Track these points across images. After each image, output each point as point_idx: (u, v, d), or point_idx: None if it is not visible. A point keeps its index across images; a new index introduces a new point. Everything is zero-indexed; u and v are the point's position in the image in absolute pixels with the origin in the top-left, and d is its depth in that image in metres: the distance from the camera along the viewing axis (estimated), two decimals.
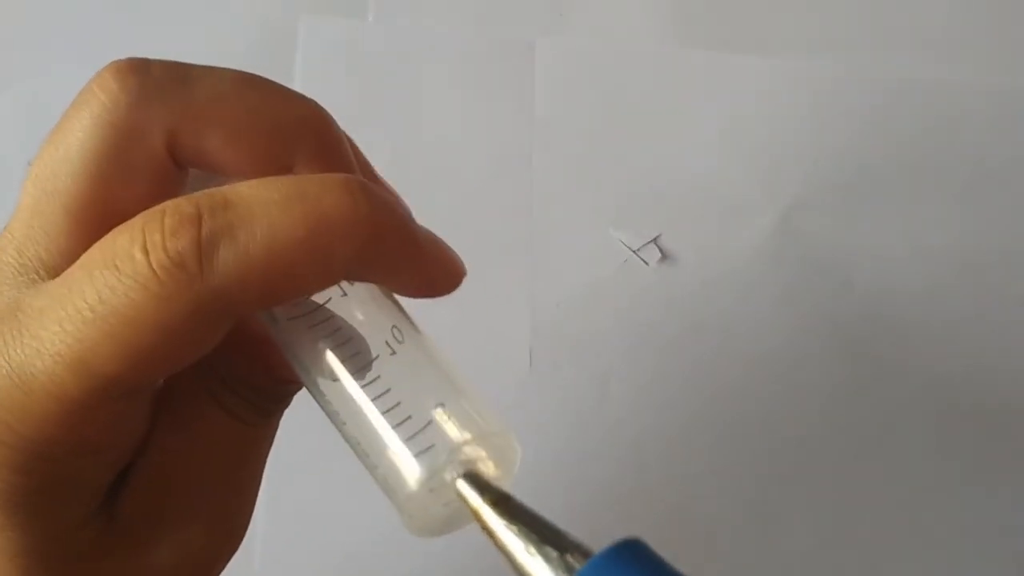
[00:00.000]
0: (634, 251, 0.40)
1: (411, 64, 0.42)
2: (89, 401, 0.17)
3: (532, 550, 0.16)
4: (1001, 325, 0.40)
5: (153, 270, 0.16)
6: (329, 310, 0.19)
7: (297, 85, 0.41)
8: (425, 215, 0.42)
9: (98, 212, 0.18)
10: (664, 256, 0.40)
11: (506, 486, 0.18)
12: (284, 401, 0.22)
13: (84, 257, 0.17)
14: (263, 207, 0.17)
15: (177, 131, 0.19)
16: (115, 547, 0.19)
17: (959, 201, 0.41)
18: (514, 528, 0.17)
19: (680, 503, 0.38)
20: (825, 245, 0.41)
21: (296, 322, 0.19)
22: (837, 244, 0.41)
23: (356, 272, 0.18)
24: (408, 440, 0.17)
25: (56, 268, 0.18)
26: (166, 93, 0.19)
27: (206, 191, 0.17)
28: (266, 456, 0.22)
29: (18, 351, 0.17)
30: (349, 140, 0.21)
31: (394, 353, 0.19)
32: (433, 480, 0.17)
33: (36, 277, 0.18)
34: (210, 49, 0.41)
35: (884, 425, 0.39)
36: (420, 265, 0.19)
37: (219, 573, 0.21)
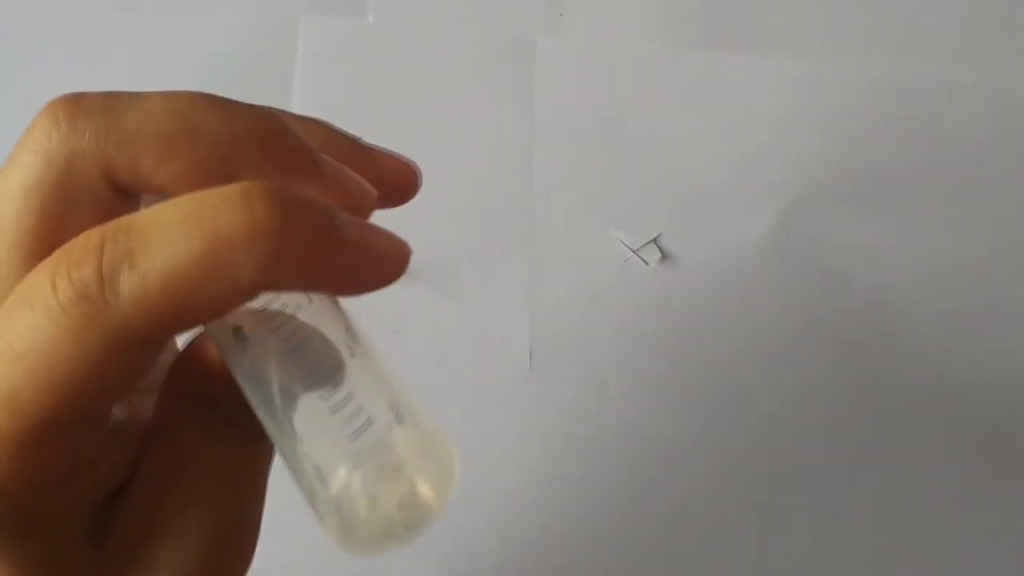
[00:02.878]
0: (634, 251, 0.40)
1: (411, 63, 0.42)
2: (25, 439, 0.17)
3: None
4: (1000, 324, 0.40)
5: (61, 304, 0.16)
6: (294, 317, 0.18)
7: (297, 85, 0.41)
8: (424, 214, 0.42)
9: (47, 247, 0.18)
10: (664, 256, 0.40)
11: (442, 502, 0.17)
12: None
13: (7, 300, 0.17)
14: (160, 229, 0.16)
15: (110, 158, 0.18)
16: (108, 572, 0.19)
17: (959, 201, 0.41)
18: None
19: (680, 503, 0.38)
20: (825, 245, 0.41)
21: (244, 348, 0.19)
22: (837, 244, 0.41)
23: (274, 284, 0.17)
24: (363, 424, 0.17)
25: None
26: (95, 123, 0.18)
27: (116, 219, 0.17)
28: (265, 478, 0.22)
29: None
30: (326, 125, 0.21)
31: (353, 355, 0.18)
32: (349, 492, 0.17)
33: None
34: (210, 49, 0.41)
35: (884, 425, 0.39)
36: (352, 265, 0.18)
37: None
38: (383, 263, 0.19)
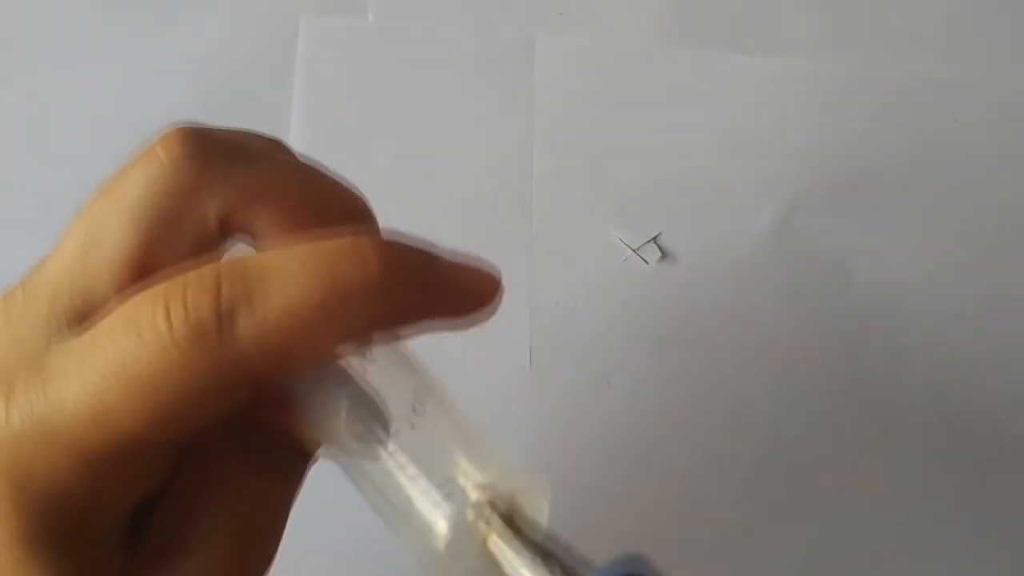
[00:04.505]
0: (634, 250, 0.40)
1: (411, 63, 0.42)
2: (109, 457, 0.17)
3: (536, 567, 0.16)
4: (999, 323, 0.40)
5: (175, 339, 0.17)
6: (353, 379, 0.19)
7: (297, 84, 0.41)
8: (424, 214, 0.42)
9: (139, 271, 0.19)
10: (664, 255, 0.40)
11: (538, 530, 0.17)
12: (306, 456, 0.22)
13: (108, 320, 0.18)
14: (279, 273, 0.17)
15: (232, 206, 0.19)
16: None
17: (958, 200, 0.42)
18: (526, 557, 0.17)
19: (679, 502, 0.38)
20: (825, 244, 0.41)
21: (318, 394, 0.19)
22: (836, 243, 0.41)
23: (381, 327, 0.18)
24: (428, 505, 0.18)
25: (86, 318, 0.19)
26: (227, 168, 0.19)
27: (226, 260, 0.18)
28: (289, 507, 0.22)
29: (41, 404, 0.17)
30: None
31: (414, 427, 0.19)
32: (457, 539, 0.17)
33: (64, 328, 0.19)
34: (210, 49, 0.41)
35: (883, 424, 0.39)
36: (450, 300, 0.19)
37: None
38: (477, 294, 0.20)
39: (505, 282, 0.40)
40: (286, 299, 0.17)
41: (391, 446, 0.18)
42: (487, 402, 0.39)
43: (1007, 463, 0.39)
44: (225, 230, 0.20)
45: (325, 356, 0.18)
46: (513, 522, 0.17)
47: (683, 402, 0.39)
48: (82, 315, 0.19)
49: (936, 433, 0.39)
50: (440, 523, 0.17)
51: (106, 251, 0.19)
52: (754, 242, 0.41)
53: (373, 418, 0.19)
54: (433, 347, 0.39)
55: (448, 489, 0.18)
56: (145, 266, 0.19)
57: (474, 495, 0.17)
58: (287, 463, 0.21)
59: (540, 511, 0.18)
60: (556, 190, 0.41)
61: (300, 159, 0.21)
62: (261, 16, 0.42)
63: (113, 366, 0.17)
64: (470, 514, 0.17)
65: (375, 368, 0.20)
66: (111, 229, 0.19)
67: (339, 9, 0.42)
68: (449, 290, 0.19)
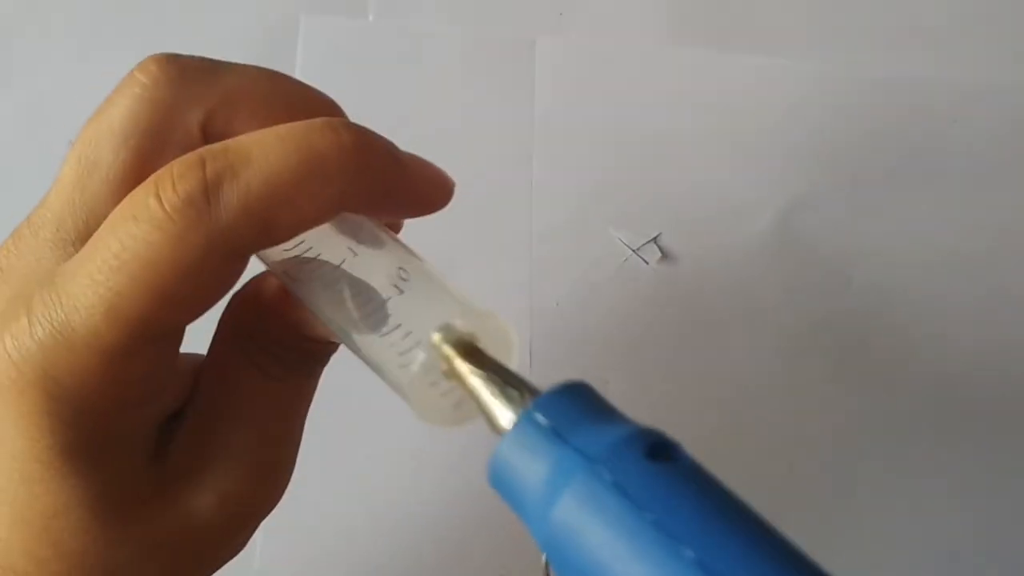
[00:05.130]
0: (634, 250, 0.40)
1: (411, 63, 0.42)
2: (125, 346, 0.19)
3: (495, 391, 0.19)
4: (999, 323, 0.40)
5: (167, 212, 0.18)
6: (343, 269, 0.21)
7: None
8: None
9: (137, 183, 0.20)
10: (664, 255, 0.40)
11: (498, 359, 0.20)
12: (316, 360, 0.24)
13: (107, 219, 0.19)
14: (259, 147, 0.19)
15: (211, 111, 0.21)
16: (168, 491, 0.21)
17: (957, 200, 0.42)
18: (480, 373, 0.19)
19: None
20: (824, 244, 0.41)
21: (314, 282, 0.21)
22: (836, 243, 0.41)
23: (352, 200, 0.20)
24: (410, 346, 0.20)
25: (91, 236, 0.20)
26: (201, 78, 0.21)
27: (207, 146, 0.19)
28: (304, 412, 0.24)
29: (58, 311, 0.18)
30: None
31: (401, 292, 0.21)
32: (432, 367, 0.20)
33: (71, 248, 0.20)
34: (211, 49, 0.41)
35: (883, 423, 0.39)
36: (410, 184, 0.21)
37: (261, 518, 0.23)
38: (434, 184, 0.22)
39: (505, 282, 0.40)
40: (267, 167, 0.18)
41: (383, 317, 0.20)
42: None
43: (1009, 459, 0.39)
44: (209, 137, 0.21)
45: (307, 224, 0.20)
46: (475, 350, 0.19)
47: (683, 401, 0.39)
48: (87, 236, 0.20)
49: (937, 430, 0.39)
50: (418, 355, 0.20)
51: (102, 171, 0.20)
52: (754, 242, 0.41)
53: (369, 297, 0.21)
54: None
55: (427, 335, 0.20)
56: (140, 181, 0.20)
57: (445, 331, 0.20)
58: (294, 364, 0.23)
59: (509, 351, 0.20)
60: (556, 190, 0.41)
61: (267, 68, 0.22)
62: (261, 16, 0.42)
63: (114, 252, 0.18)
64: (441, 346, 0.19)
65: (361, 252, 0.21)
66: (104, 150, 0.20)
67: (339, 9, 0.42)
68: (409, 176, 0.21)
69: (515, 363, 0.20)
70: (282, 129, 0.19)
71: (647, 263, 0.40)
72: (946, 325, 0.40)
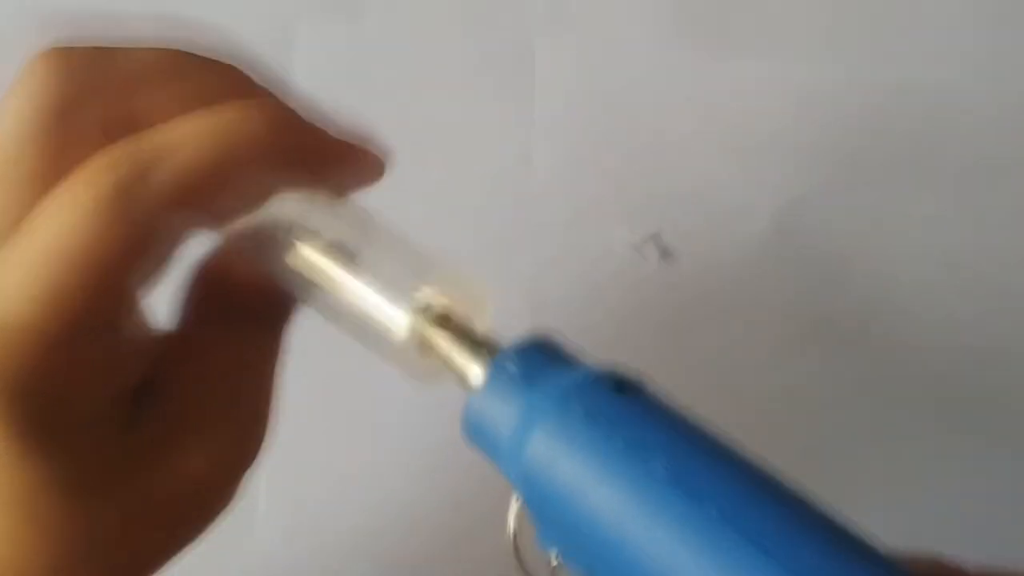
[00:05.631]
0: (634, 248, 0.40)
1: (410, 66, 0.42)
2: (66, 334, 0.19)
3: (467, 351, 0.19)
4: (997, 320, 0.40)
5: (98, 201, 0.18)
6: (306, 228, 0.22)
7: (294, 89, 0.41)
8: (425, 214, 0.42)
9: (51, 184, 0.20)
10: (664, 253, 0.40)
11: (483, 324, 0.20)
12: (278, 316, 0.24)
13: (35, 211, 0.19)
14: (182, 135, 0.19)
15: (113, 97, 0.21)
16: (146, 458, 0.22)
17: (955, 199, 0.42)
18: (450, 336, 0.20)
19: None
20: (822, 242, 0.41)
21: (280, 247, 0.22)
22: (834, 241, 0.41)
23: (280, 180, 0.20)
24: (389, 308, 0.20)
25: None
26: (94, 67, 0.21)
27: (127, 137, 0.20)
28: (273, 368, 0.24)
29: None
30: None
31: (370, 248, 0.21)
32: (411, 333, 0.20)
33: (2, 241, 0.20)
34: None
35: (883, 420, 0.39)
36: (339, 156, 0.22)
37: (244, 471, 0.24)
38: (367, 157, 0.23)
39: (505, 280, 0.40)
40: (191, 150, 0.19)
41: (352, 271, 0.21)
42: None
43: (1008, 456, 0.39)
44: (117, 124, 0.21)
45: (235, 201, 0.20)
46: (444, 316, 0.20)
47: (683, 399, 0.39)
48: (4, 238, 0.20)
49: (936, 426, 0.39)
50: (397, 323, 0.20)
51: (17, 175, 0.20)
52: (753, 240, 0.41)
53: (333, 251, 0.21)
54: None
55: (401, 298, 0.20)
56: (56, 179, 0.20)
57: (419, 299, 0.20)
58: (262, 326, 0.23)
59: (483, 311, 0.21)
60: (557, 190, 0.41)
61: (165, 44, 0.22)
62: (259, 22, 0.42)
63: (44, 241, 0.19)
64: (417, 312, 0.20)
65: (320, 212, 0.22)
66: (12, 156, 0.21)
67: (337, 13, 0.42)
68: (338, 147, 0.22)
69: (491, 315, 0.21)
70: (200, 115, 0.20)
71: (647, 261, 0.40)
72: (945, 323, 0.40)
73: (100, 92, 0.21)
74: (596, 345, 0.40)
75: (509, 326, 0.39)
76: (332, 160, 0.22)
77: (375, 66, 0.42)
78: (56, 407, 0.20)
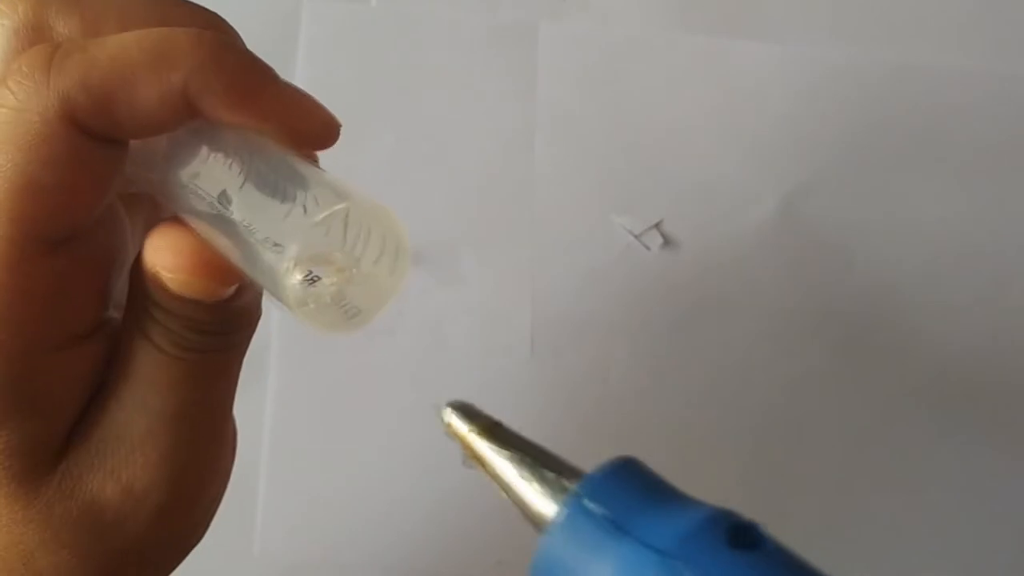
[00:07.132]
0: (636, 236, 0.40)
1: (414, 48, 0.42)
2: (14, 253, 0.18)
3: (527, 474, 0.16)
4: (1002, 307, 0.40)
5: (8, 87, 0.18)
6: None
7: (300, 68, 0.41)
8: (427, 198, 0.42)
9: None
10: (666, 241, 0.40)
11: (399, 267, 0.19)
12: (217, 335, 0.21)
13: None
14: (117, 37, 0.19)
15: (80, 32, 0.21)
16: (69, 476, 0.21)
17: (959, 186, 0.41)
18: (506, 454, 0.16)
19: (681, 487, 0.38)
20: (826, 230, 0.41)
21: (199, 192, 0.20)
22: (838, 229, 0.41)
23: (201, 97, 0.19)
24: (276, 257, 0.19)
25: None
26: (64, 2, 0.21)
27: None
28: (219, 396, 0.22)
29: None
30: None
31: (262, 183, 0.20)
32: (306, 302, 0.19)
33: None
34: None
35: (886, 407, 0.39)
36: (276, 102, 0.20)
37: (189, 513, 0.22)
38: (310, 116, 0.21)
39: (506, 267, 0.40)
40: (117, 45, 0.19)
41: (244, 208, 0.20)
42: (489, 388, 0.39)
43: (1012, 445, 0.39)
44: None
45: (150, 113, 0.19)
46: (495, 425, 0.18)
47: (684, 387, 0.39)
48: None
49: (940, 415, 0.39)
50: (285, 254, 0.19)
51: None
52: (756, 228, 0.41)
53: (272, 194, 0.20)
54: (435, 331, 0.39)
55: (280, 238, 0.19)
56: None
57: (457, 408, 0.19)
58: (199, 344, 0.21)
59: (401, 249, 0.20)
60: (558, 176, 0.41)
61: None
62: (265, 1, 0.42)
63: None
64: (454, 424, 0.18)
65: (240, 146, 0.20)
66: None
67: None
68: (278, 92, 0.20)
69: (407, 256, 0.19)
70: (145, 30, 0.19)
71: (649, 249, 0.40)
72: (949, 312, 0.40)
73: (70, 24, 0.21)
74: (598, 332, 0.40)
75: (510, 313, 0.40)
76: (266, 98, 0.20)
77: (379, 48, 0.42)
78: (15, 372, 0.19)
